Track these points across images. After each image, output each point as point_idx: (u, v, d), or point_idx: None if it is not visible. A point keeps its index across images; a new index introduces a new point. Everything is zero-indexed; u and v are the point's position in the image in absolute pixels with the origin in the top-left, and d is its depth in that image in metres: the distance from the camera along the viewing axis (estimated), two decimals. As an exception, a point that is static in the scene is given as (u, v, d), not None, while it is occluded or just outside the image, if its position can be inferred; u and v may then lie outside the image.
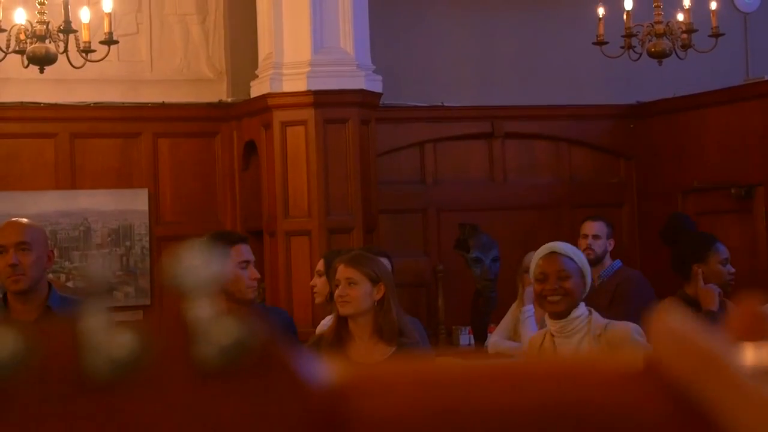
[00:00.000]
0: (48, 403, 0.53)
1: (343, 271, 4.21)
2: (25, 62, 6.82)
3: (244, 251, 4.62)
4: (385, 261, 5.30)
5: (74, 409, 0.53)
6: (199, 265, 0.54)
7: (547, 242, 4.63)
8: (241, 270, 4.58)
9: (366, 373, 0.59)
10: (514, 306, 6.97)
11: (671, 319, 0.59)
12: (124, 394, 0.53)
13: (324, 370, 0.57)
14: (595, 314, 4.36)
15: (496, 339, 6.90)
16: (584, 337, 4.27)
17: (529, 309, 6.79)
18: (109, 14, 6.93)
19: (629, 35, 7.79)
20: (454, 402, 0.56)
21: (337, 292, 4.23)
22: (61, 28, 6.77)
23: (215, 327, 0.54)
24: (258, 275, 4.65)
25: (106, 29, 6.89)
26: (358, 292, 4.14)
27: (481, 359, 0.58)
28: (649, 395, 0.57)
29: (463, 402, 0.56)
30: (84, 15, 6.84)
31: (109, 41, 6.87)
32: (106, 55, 6.93)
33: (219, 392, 0.54)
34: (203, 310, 0.54)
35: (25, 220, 4.37)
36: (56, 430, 0.53)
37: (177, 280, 0.54)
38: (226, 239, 4.73)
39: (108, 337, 0.53)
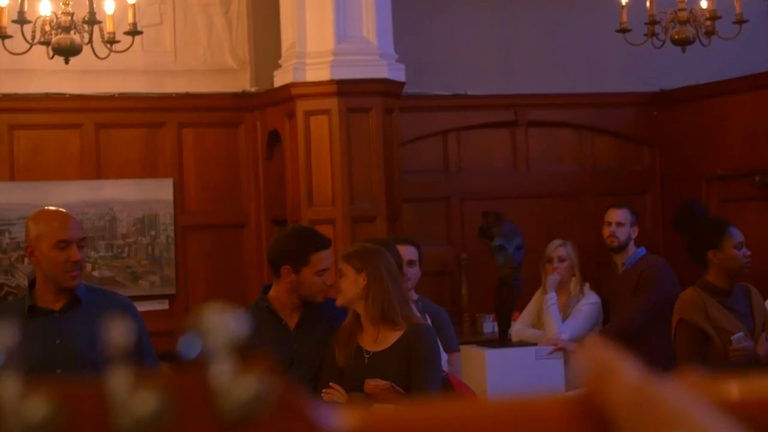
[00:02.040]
0: None
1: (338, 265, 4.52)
2: (51, 53, 6.86)
3: (326, 259, 4.62)
4: (411, 249, 5.34)
5: None
6: (220, 324, 0.56)
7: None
8: (318, 277, 4.59)
9: (380, 417, 0.60)
10: (537, 294, 6.99)
11: (599, 352, 0.61)
12: None
13: (338, 417, 0.58)
14: None
15: (519, 327, 6.91)
16: None
17: (552, 297, 6.81)
18: (133, 5, 6.96)
19: (652, 22, 7.77)
20: None
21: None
22: (86, 19, 6.81)
23: (235, 382, 0.55)
24: (332, 282, 4.64)
25: (131, 20, 6.93)
26: (344, 283, 4.40)
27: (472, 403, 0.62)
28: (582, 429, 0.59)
29: None
30: (108, 6, 6.87)
31: (134, 32, 6.90)
32: (131, 46, 6.97)
33: None
34: (223, 367, 0.56)
35: (67, 212, 4.39)
36: None
37: (199, 339, 0.56)
38: (311, 244, 4.65)
39: (134, 395, 0.55)
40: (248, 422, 0.55)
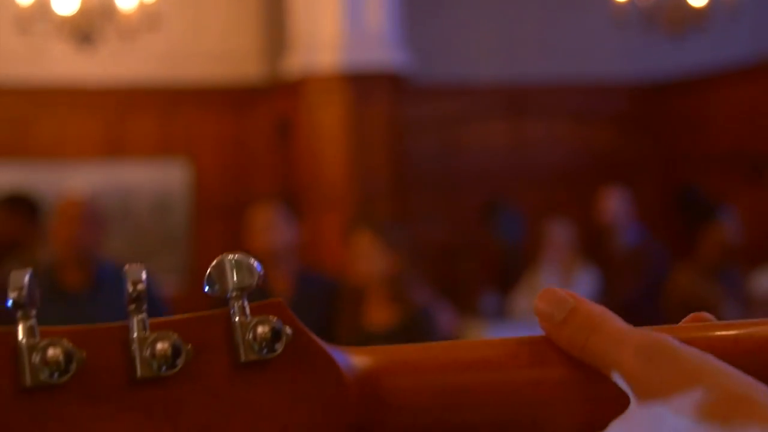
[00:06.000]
0: (96, 399, 0.54)
1: (362, 239, 4.39)
2: (70, 41, 7.07)
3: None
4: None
5: (121, 403, 0.55)
6: (236, 267, 0.59)
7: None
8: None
9: (392, 356, 0.60)
10: (534, 272, 7.18)
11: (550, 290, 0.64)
12: (168, 386, 0.55)
13: (354, 355, 0.59)
14: None
15: (521, 304, 7.10)
16: None
17: (550, 276, 6.99)
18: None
19: (648, 10, 7.93)
20: (471, 382, 0.60)
21: (353, 259, 4.40)
22: (104, 9, 7.01)
23: (251, 321, 0.56)
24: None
25: (147, 8, 7.12)
26: (372, 259, 4.25)
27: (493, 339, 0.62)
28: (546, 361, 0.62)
29: (479, 381, 0.60)
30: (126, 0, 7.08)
31: (150, 19, 7.09)
32: (147, 33, 7.16)
33: (258, 380, 0.56)
34: (240, 304, 0.57)
35: (87, 198, 4.58)
36: (105, 424, 0.54)
37: (217, 278, 0.59)
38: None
39: (150, 332, 0.55)
40: (265, 360, 0.56)
